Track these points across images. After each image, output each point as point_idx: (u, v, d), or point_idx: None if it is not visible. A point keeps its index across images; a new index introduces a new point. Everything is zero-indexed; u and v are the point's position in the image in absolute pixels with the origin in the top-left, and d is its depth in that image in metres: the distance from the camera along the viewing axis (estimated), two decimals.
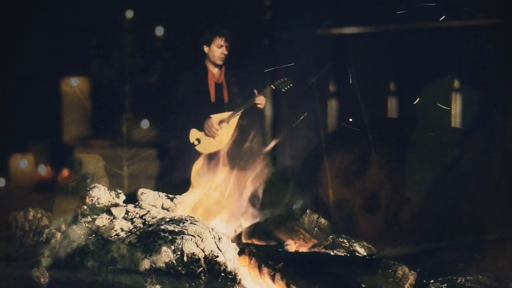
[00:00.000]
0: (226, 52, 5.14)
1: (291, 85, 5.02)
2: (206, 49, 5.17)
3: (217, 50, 5.13)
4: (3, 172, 5.56)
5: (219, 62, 5.16)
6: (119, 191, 3.69)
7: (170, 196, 3.85)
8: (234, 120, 5.13)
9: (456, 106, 5.10)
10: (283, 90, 5.05)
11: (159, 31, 6.01)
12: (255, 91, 5.09)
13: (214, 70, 5.20)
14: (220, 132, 5.13)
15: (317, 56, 5.47)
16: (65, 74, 5.82)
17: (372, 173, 4.04)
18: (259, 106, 5.16)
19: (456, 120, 5.09)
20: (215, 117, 5.14)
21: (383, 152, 4.09)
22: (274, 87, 5.09)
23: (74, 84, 5.87)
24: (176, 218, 3.29)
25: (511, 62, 4.58)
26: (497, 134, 3.87)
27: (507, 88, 4.27)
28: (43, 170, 5.76)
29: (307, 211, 3.69)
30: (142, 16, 5.92)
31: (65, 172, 5.16)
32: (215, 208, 3.88)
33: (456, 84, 5.11)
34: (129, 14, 5.93)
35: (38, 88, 5.52)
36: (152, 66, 6.10)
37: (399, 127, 4.67)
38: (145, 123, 5.94)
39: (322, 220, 3.69)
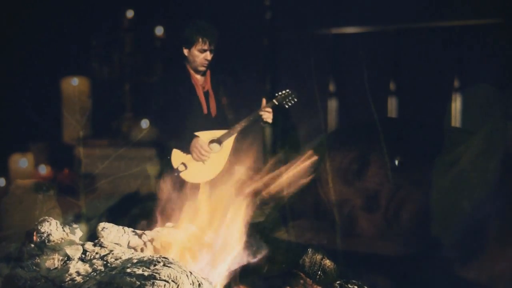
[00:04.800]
0: (209, 58, 4.21)
1: (295, 100, 4.25)
2: (185, 51, 4.23)
3: (199, 55, 4.19)
4: (3, 172, 5.56)
5: (201, 68, 4.23)
6: (75, 225, 3.12)
7: (138, 232, 3.21)
8: (229, 142, 4.16)
9: (456, 106, 5.10)
10: (287, 106, 4.24)
11: (159, 31, 6.02)
12: (264, 99, 4.22)
13: (197, 76, 4.28)
14: (211, 156, 4.14)
15: (317, 56, 5.47)
16: (65, 74, 5.83)
17: (372, 172, 4.04)
18: (266, 119, 4.17)
19: (456, 120, 5.09)
20: (203, 137, 4.14)
21: (383, 152, 4.09)
22: (277, 103, 4.21)
23: (74, 84, 5.87)
24: (145, 259, 2.71)
25: (511, 62, 4.58)
26: (497, 134, 3.87)
27: (507, 88, 4.27)
28: (43, 170, 5.76)
29: (309, 250, 3.10)
30: (142, 15, 5.93)
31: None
32: (193, 246, 3.19)
33: (456, 84, 5.12)
34: (129, 14, 5.94)
35: (38, 88, 5.52)
36: (152, 66, 6.09)
37: (399, 127, 4.67)
38: (145, 123, 5.90)
39: (327, 262, 3.11)
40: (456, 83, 5.12)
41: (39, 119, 5.29)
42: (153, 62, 6.09)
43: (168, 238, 3.19)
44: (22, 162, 5.67)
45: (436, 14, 5.09)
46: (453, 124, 5.07)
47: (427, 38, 5.25)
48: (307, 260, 3.09)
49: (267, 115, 4.17)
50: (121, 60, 6.09)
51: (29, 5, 5.54)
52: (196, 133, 4.14)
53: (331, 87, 5.67)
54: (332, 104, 5.67)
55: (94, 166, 4.95)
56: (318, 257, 3.10)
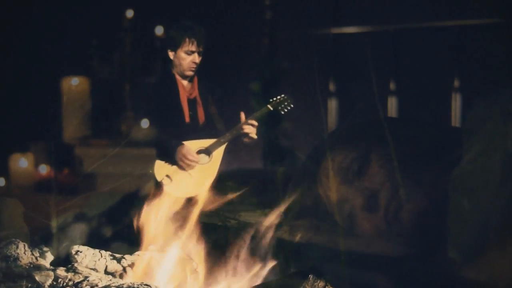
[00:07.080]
0: (198, 61, 3.85)
1: (292, 105, 3.98)
2: (171, 54, 3.87)
3: (186, 57, 3.83)
4: (3, 172, 5.56)
5: (189, 73, 3.87)
6: (45, 248, 2.80)
7: (117, 256, 2.85)
8: (219, 152, 3.78)
9: (456, 106, 5.10)
10: (283, 112, 3.96)
11: (159, 30, 6.02)
12: (242, 114, 3.83)
13: (184, 82, 3.91)
14: (200, 168, 3.74)
15: (317, 56, 5.48)
16: (65, 74, 5.83)
17: (373, 172, 4.03)
18: (248, 136, 3.80)
19: (456, 120, 5.09)
20: (191, 146, 3.77)
21: (383, 152, 4.09)
22: (272, 108, 3.91)
23: (74, 84, 5.88)
24: (125, 286, 2.46)
25: (511, 62, 4.58)
26: (497, 134, 3.88)
27: (508, 88, 4.27)
28: (43, 170, 5.77)
29: (310, 276, 2.72)
30: (142, 15, 5.94)
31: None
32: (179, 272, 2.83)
33: (456, 83, 5.12)
34: (129, 14, 5.95)
35: (38, 88, 5.52)
36: (144, 67, 6.08)
37: (399, 127, 4.67)
38: (145, 123, 5.87)
39: None
40: (456, 83, 5.12)
41: (39, 119, 5.29)
42: (147, 63, 6.09)
43: (150, 263, 2.85)
44: (22, 162, 5.68)
45: (436, 14, 5.10)
46: (453, 124, 5.07)
47: (427, 38, 5.25)
48: (307, 287, 2.73)
49: (252, 130, 3.81)
50: (121, 60, 6.10)
51: (29, 5, 5.54)
52: (183, 142, 3.80)
53: (331, 87, 5.67)
54: (332, 104, 5.67)
55: (89, 166, 4.80)
56: (321, 284, 2.73)
